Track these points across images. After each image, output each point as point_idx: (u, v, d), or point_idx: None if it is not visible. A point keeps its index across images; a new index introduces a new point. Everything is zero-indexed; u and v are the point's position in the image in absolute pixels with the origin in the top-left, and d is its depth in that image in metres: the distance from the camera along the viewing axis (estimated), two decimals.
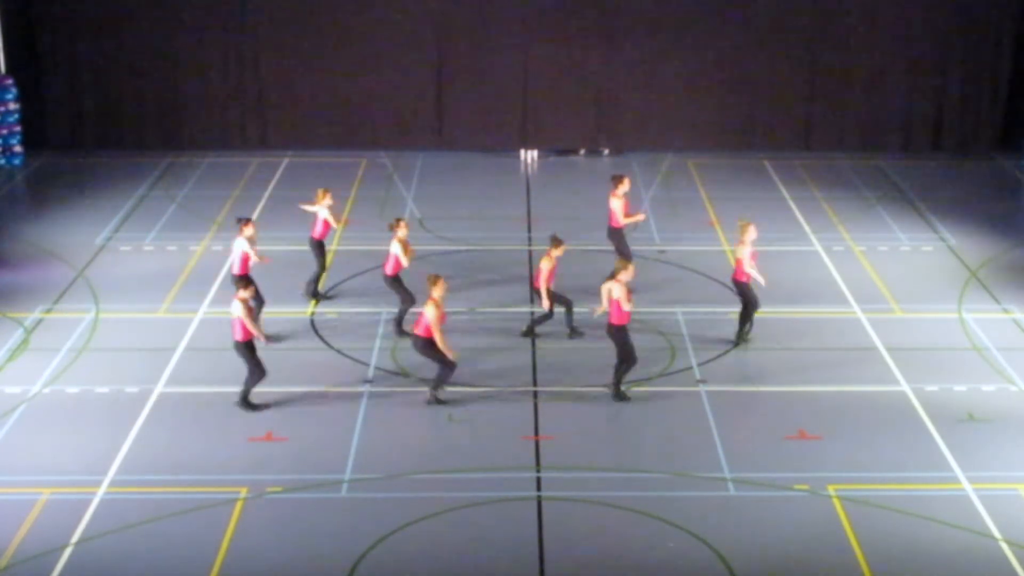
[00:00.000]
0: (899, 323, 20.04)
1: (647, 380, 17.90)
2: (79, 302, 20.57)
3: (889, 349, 18.96)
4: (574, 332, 19.18)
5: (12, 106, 28.10)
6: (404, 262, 19.05)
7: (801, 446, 16.23)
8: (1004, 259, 22.85)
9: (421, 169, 28.49)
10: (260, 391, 17.25)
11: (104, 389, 17.57)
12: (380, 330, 19.47)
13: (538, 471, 15.61)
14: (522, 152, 29.88)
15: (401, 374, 18.16)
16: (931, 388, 17.68)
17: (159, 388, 17.59)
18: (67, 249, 22.97)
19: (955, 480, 15.37)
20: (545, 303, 18.85)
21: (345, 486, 15.21)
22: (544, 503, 14.86)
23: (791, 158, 29.22)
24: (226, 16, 29.09)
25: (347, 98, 29.57)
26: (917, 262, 22.83)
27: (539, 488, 15.21)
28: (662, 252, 22.79)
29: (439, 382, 17.17)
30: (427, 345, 16.89)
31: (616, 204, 20.83)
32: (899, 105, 29.74)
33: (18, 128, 28.28)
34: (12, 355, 18.61)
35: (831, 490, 15.07)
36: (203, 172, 28.16)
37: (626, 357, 17.19)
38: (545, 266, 18.69)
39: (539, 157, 29.77)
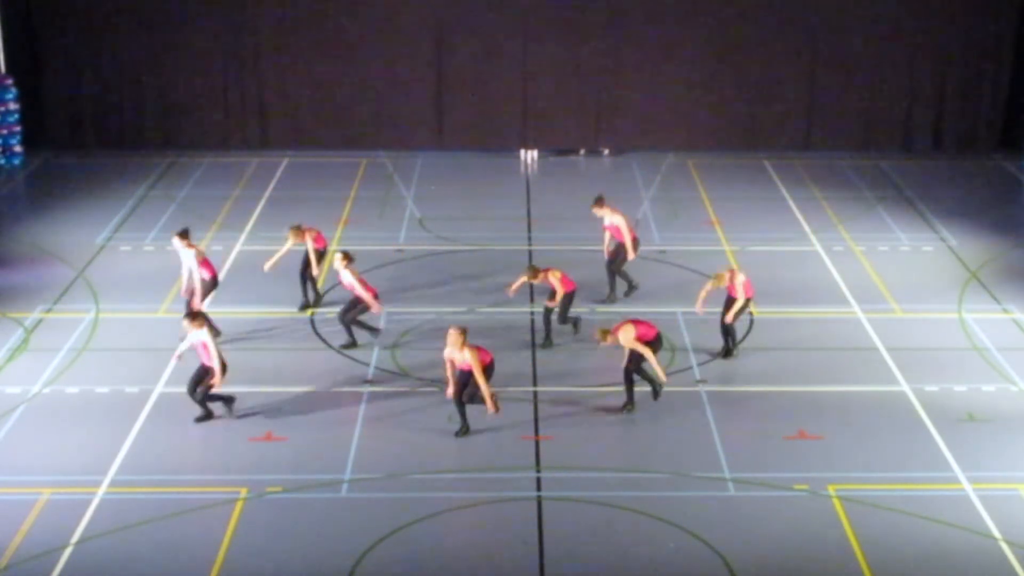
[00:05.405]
0: (899, 323, 20.03)
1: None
2: (79, 302, 20.55)
3: (889, 349, 18.95)
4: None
5: (12, 106, 28.10)
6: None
7: (801, 446, 16.21)
8: (1004, 259, 22.84)
9: (421, 169, 28.47)
10: (258, 391, 17.28)
11: (104, 389, 17.56)
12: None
13: (538, 471, 15.60)
14: (522, 152, 29.86)
15: (401, 374, 18.16)
16: (931, 388, 17.66)
17: (159, 388, 17.57)
18: (67, 249, 22.95)
19: (955, 480, 15.36)
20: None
21: (345, 486, 15.20)
22: (544, 503, 14.85)
23: (791, 158, 29.20)
24: (226, 16, 29.08)
25: (347, 98, 29.57)
26: (917, 262, 22.82)
27: (539, 488, 15.21)
28: (662, 252, 22.78)
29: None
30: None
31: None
32: (899, 105, 29.74)
33: (18, 128, 28.27)
34: (12, 355, 18.60)
35: (831, 490, 15.06)
36: (203, 172, 28.13)
37: None
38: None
39: (539, 157, 29.76)
